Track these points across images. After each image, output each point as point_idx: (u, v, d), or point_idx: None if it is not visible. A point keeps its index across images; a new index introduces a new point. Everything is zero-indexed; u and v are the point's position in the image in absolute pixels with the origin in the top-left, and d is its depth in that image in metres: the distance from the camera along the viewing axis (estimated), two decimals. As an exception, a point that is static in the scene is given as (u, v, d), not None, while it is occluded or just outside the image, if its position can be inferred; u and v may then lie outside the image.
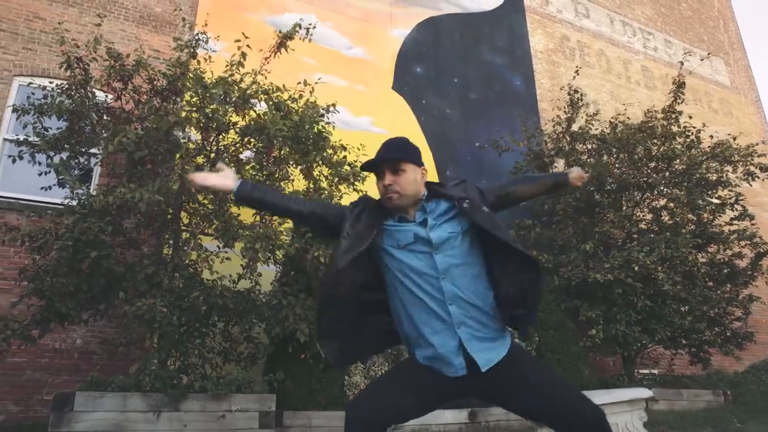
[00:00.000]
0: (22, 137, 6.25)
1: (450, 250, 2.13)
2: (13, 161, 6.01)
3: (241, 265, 5.59)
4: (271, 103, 6.11)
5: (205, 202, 5.90)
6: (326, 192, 6.14)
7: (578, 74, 10.59)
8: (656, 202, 9.28)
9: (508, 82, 11.94)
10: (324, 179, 6.42)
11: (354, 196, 5.47)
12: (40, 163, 6.09)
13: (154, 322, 5.01)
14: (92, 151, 6.31)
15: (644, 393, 5.27)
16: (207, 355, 5.80)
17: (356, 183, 6.46)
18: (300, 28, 6.87)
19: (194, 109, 5.74)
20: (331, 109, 6.66)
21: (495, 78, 11.72)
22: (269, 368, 6.14)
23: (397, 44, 10.69)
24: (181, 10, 7.79)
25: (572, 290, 8.46)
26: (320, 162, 6.34)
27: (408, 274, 2.13)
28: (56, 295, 5.31)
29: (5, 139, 7.24)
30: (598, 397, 4.43)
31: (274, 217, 5.88)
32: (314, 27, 7.05)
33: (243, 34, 6.16)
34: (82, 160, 6.38)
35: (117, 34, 8.21)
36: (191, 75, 5.79)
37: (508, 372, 2.07)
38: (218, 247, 5.68)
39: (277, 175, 6.12)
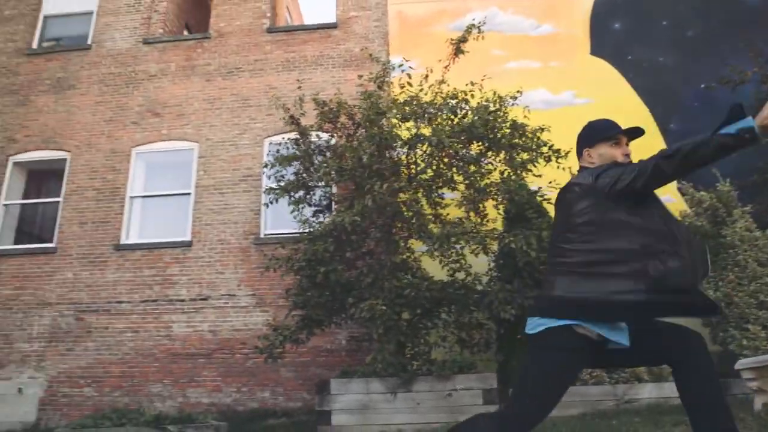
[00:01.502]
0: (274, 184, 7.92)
1: None
2: (266, 206, 7.72)
3: (456, 260, 6.28)
4: (447, 109, 6.70)
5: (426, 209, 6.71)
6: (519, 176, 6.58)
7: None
8: None
9: (737, 1, 10.31)
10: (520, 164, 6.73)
11: (556, 174, 5.85)
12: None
13: (376, 319, 5.98)
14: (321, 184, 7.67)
15: None
16: (432, 342, 6.60)
17: (560, 161, 6.69)
18: (473, 28, 7.34)
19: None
20: (517, 95, 7.02)
21: (718, 2, 10.25)
22: (499, 351, 6.73)
23: (586, 8, 10.24)
24: (368, 46, 8.91)
25: None
26: (519, 150, 6.72)
27: None
28: (309, 305, 6.70)
29: (266, 188, 9.18)
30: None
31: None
32: (483, 23, 7.43)
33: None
34: (319, 193, 7.80)
35: (329, 80, 9.74)
36: (372, 105, 6.72)
37: None
38: (432, 246, 6.35)
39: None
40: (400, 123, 6.70)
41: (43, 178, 10.40)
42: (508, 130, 6.77)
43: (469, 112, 6.70)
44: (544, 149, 6.85)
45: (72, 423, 6.53)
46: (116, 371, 8.70)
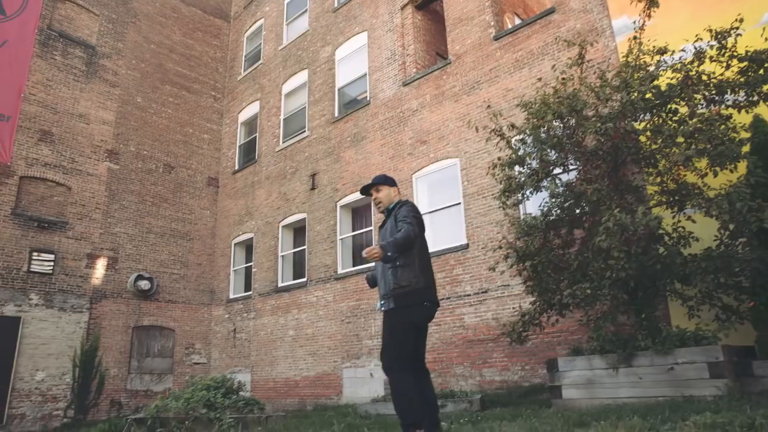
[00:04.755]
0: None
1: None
2: (502, 207, 8.60)
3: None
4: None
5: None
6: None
7: None
8: None
9: None
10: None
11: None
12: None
13: (581, 301, 6.34)
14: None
15: None
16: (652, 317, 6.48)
17: None
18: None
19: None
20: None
21: None
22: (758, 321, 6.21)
23: None
24: (590, 18, 8.88)
25: None
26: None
27: None
28: (539, 292, 7.37)
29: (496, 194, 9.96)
30: None
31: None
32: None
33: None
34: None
35: (558, 67, 9.94)
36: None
37: None
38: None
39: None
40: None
41: (360, 213, 13.40)
42: None
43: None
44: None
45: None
46: (429, 358, 10.71)
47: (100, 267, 14.89)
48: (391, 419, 6.17)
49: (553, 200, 6.85)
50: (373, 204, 4.43)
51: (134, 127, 16.37)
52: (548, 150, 6.90)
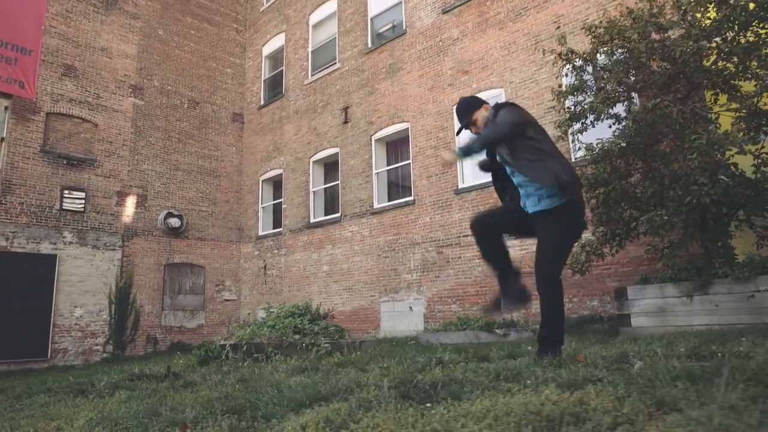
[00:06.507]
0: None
1: None
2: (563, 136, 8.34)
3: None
4: None
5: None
6: None
7: None
8: None
9: None
10: None
11: None
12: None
13: (657, 229, 6.20)
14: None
15: None
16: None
17: None
18: None
19: None
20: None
21: None
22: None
23: None
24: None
25: None
26: None
27: None
28: (606, 221, 7.23)
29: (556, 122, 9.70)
30: None
31: None
32: None
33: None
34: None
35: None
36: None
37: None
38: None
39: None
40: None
41: (396, 147, 13.14)
42: None
43: None
44: None
45: (436, 327, 8.75)
46: (471, 291, 10.79)
47: (130, 205, 14.81)
48: (458, 346, 6.14)
49: (629, 126, 6.58)
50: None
51: (157, 62, 15.90)
52: (630, 72, 6.60)
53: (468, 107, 3.91)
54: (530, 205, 3.56)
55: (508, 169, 3.74)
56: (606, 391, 2.16)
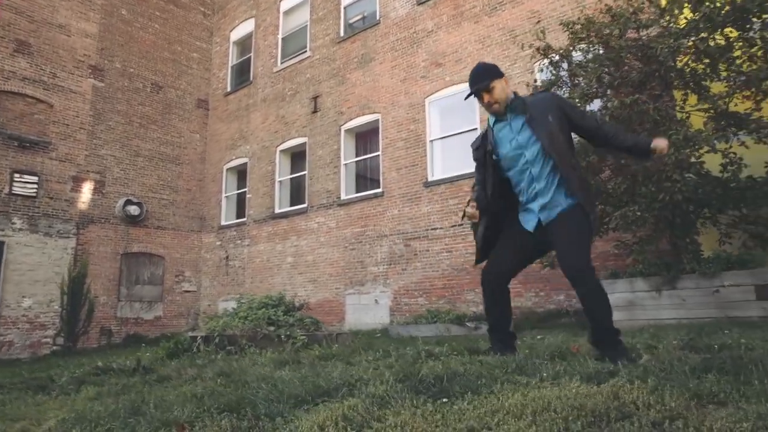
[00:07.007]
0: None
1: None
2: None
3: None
4: None
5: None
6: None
7: None
8: None
9: None
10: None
11: None
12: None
13: (633, 223, 6.24)
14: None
15: None
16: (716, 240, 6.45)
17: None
18: None
19: None
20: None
21: None
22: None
23: None
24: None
25: None
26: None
27: None
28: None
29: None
30: None
31: None
32: None
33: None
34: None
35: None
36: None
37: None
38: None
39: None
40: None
41: (365, 138, 12.98)
42: None
43: None
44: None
45: (403, 320, 8.65)
46: (439, 284, 10.73)
47: (87, 191, 14.22)
48: (430, 339, 6.05)
49: (607, 121, 6.59)
50: (484, 108, 3.47)
51: (119, 42, 15.29)
52: (606, 68, 6.61)
53: (487, 73, 3.36)
54: (543, 216, 3.24)
55: (516, 172, 3.35)
56: (635, 384, 2.08)
